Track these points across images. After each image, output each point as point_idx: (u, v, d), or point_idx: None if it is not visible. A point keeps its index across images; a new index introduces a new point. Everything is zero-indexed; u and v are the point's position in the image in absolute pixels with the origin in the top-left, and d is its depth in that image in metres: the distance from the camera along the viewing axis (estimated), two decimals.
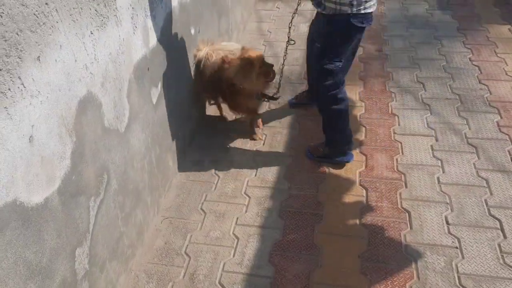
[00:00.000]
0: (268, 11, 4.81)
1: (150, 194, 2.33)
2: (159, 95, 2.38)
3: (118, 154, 1.96)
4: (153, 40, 2.25)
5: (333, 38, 2.43)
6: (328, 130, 2.72)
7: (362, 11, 2.31)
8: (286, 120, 3.16)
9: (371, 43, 3.99)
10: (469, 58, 3.64)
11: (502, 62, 3.55)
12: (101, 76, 1.76)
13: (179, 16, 2.58)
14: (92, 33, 1.68)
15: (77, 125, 1.62)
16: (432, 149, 2.77)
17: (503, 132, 2.84)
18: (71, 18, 1.53)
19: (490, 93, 3.21)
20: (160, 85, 2.38)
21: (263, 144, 2.95)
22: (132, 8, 2.00)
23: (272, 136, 3.01)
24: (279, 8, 4.87)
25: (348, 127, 2.67)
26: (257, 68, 2.65)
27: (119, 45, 1.89)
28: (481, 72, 3.45)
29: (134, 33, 2.03)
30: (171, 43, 2.50)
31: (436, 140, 2.84)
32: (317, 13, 2.59)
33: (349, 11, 2.29)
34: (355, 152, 2.80)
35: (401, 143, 2.84)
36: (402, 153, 2.76)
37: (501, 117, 2.97)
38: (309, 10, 4.71)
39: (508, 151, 2.69)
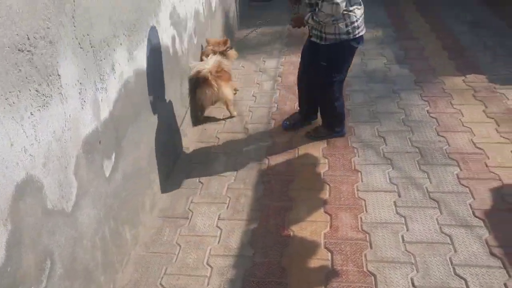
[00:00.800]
0: (233, 70, 4.89)
1: (103, 273, 2.20)
2: (113, 166, 2.32)
3: (64, 235, 1.86)
4: (105, 112, 2.22)
5: (337, 59, 3.17)
6: (326, 116, 3.49)
7: (357, 36, 3.03)
8: (251, 180, 3.12)
9: None
10: (427, 111, 3.75)
11: (458, 113, 3.66)
12: (42, 156, 1.70)
13: (134, 85, 2.58)
14: (32, 114, 1.63)
15: (14, 212, 1.53)
16: (395, 206, 2.76)
17: (463, 185, 2.86)
18: (6, 102, 1.49)
19: (449, 145, 3.27)
20: (114, 156, 2.33)
21: (227, 208, 2.88)
22: (80, 83, 1.98)
23: (236, 198, 2.95)
24: (243, 67, 4.98)
25: (343, 112, 3.43)
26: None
27: (64, 122, 1.85)
28: (439, 124, 3.54)
29: (82, 108, 2.00)
30: (126, 113, 2.48)
31: (399, 195, 2.84)
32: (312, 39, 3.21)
33: (346, 38, 3.01)
34: (320, 212, 2.76)
35: (364, 200, 2.83)
36: (366, 211, 2.73)
37: (461, 169, 3.01)
38: (272, 68, 4.84)
39: (470, 204, 2.70)
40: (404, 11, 6.29)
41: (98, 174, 2.16)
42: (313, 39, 3.17)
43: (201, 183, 3.13)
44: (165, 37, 3.12)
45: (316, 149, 3.40)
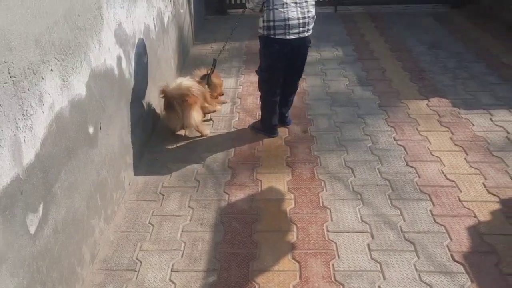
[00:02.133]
0: None
1: None
2: (41, 219, 1.90)
3: None
4: (29, 155, 1.81)
5: (260, 52, 3.44)
6: (261, 110, 3.69)
7: (272, 36, 3.18)
8: (209, 221, 2.77)
9: (296, 123, 3.82)
10: (394, 138, 3.57)
11: (425, 141, 3.51)
12: None
13: (70, 117, 2.18)
14: None
15: None
16: (369, 249, 2.51)
17: (438, 223, 2.67)
18: None
19: (419, 177, 3.09)
20: (42, 207, 1.91)
21: (182, 256, 2.51)
22: None
23: (192, 244, 2.59)
24: None
25: (272, 118, 3.59)
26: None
27: None
28: (407, 153, 3.36)
29: None
30: (59, 152, 2.07)
31: (372, 237, 2.59)
32: None
33: (261, 33, 3.25)
34: (287, 259, 2.46)
35: (335, 243, 2.56)
36: (338, 257, 2.46)
37: (434, 205, 2.82)
38: (231, 88, 4.53)
39: (447, 246, 2.50)
40: (363, 29, 6.21)
41: (19, 233, 1.74)
42: None
43: (152, 225, 2.74)
44: (109, 58, 2.73)
45: (280, 181, 3.11)
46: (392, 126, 3.74)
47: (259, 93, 3.69)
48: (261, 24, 3.21)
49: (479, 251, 2.46)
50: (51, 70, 2.00)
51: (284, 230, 2.67)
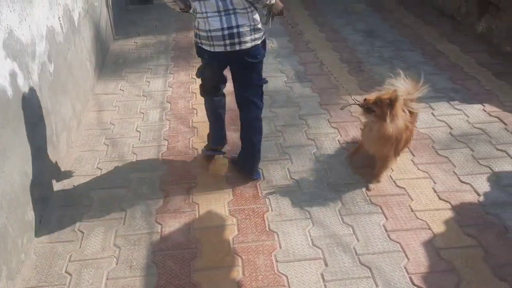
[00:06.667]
0: (109, 96, 4.02)
1: None
2: None
3: None
4: None
5: None
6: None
7: (201, 45, 2.60)
8: (139, 262, 2.37)
9: (234, 130, 3.46)
10: (338, 141, 3.35)
11: None
12: None
13: None
14: None
15: None
16: (324, 279, 2.25)
17: (393, 240, 2.48)
18: None
19: (368, 188, 2.88)
20: None
21: None
22: None
23: None
24: (123, 90, 4.12)
25: (218, 132, 3.05)
26: None
27: None
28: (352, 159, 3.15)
29: None
30: None
31: (326, 264, 2.34)
32: None
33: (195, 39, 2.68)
34: None
35: (286, 276, 2.28)
36: None
37: (386, 218, 2.63)
38: (159, 91, 4.06)
39: (405, 268, 2.31)
40: (296, 17, 5.94)
41: None
42: None
43: (69, 274, 2.29)
44: None
45: (220, 203, 2.77)
46: (335, 127, 3.52)
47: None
48: (194, 26, 2.66)
49: (437, 271, 2.29)
50: None
51: (228, 266, 2.35)
